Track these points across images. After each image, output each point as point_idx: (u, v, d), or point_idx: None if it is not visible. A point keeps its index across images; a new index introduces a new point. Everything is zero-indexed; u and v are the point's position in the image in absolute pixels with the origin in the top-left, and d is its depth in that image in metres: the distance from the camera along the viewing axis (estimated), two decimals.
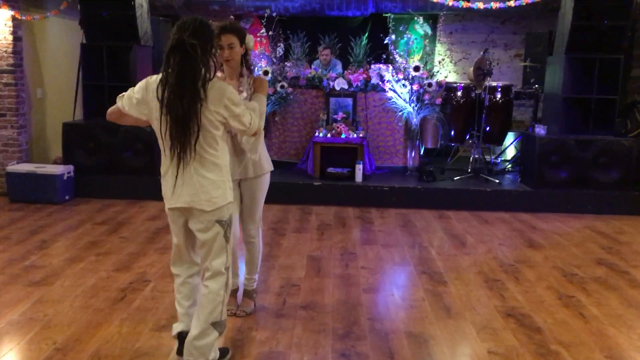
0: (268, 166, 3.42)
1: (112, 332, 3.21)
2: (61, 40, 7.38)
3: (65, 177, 6.16)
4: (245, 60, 3.19)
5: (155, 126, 2.67)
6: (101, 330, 3.23)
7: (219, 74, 3.13)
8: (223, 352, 2.92)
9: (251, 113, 2.79)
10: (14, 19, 6.27)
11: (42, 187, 6.08)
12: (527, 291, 3.99)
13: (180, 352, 2.82)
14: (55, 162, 6.97)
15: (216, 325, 2.74)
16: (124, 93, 2.78)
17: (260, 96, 3.03)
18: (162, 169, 2.74)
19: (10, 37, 6.32)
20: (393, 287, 4.05)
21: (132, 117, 2.77)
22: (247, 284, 3.58)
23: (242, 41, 3.10)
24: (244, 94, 3.16)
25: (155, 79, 2.65)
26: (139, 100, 2.69)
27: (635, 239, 5.36)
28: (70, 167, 6.29)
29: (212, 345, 2.76)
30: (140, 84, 2.72)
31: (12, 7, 6.24)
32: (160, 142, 2.70)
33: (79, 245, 4.76)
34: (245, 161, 3.28)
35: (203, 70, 2.57)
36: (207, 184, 2.66)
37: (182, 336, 2.84)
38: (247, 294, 3.58)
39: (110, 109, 2.84)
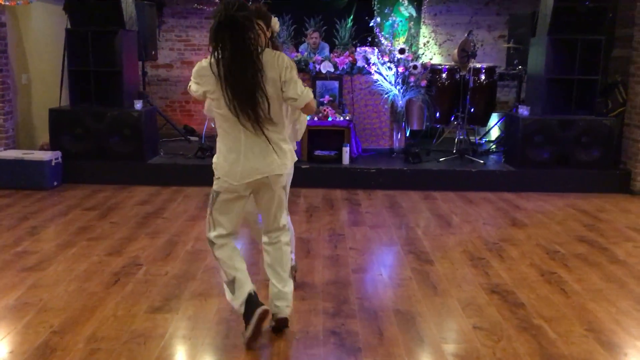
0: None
1: (107, 315, 3.28)
2: (45, 25, 7.32)
3: (53, 163, 6.17)
4: (272, 43, 3.23)
5: (218, 103, 2.77)
6: (96, 313, 3.29)
7: None
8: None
9: (307, 86, 2.90)
10: None
11: (30, 174, 6.08)
12: (510, 268, 4.11)
13: (258, 304, 2.93)
14: (42, 148, 6.96)
15: (290, 271, 3.13)
16: (190, 84, 2.91)
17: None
18: (223, 147, 2.85)
19: None
20: (381, 267, 4.15)
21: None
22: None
23: (269, 25, 3.15)
24: None
25: (206, 60, 2.77)
26: (199, 84, 2.82)
27: (615, 216, 5.51)
28: (58, 153, 6.30)
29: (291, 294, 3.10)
30: (195, 69, 2.83)
31: None
32: (220, 120, 2.81)
33: (70, 231, 4.80)
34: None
35: (257, 44, 2.69)
36: (279, 151, 2.86)
37: (252, 296, 2.98)
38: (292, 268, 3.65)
39: (204, 108, 3.00)
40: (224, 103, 2.73)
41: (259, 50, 2.72)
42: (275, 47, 3.28)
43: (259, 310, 2.89)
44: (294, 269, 3.64)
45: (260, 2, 3.24)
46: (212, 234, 3.00)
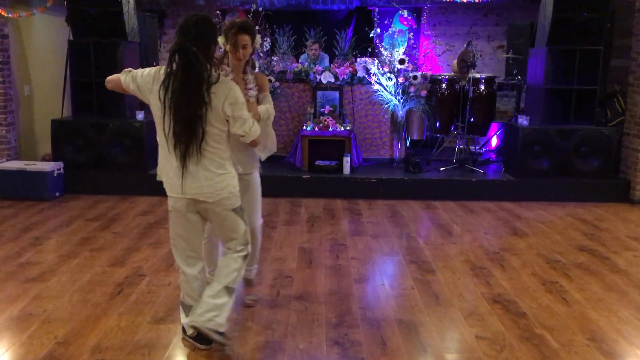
0: (257, 160, 3.53)
1: (111, 326, 3.29)
2: (48, 37, 7.38)
3: (55, 174, 6.19)
4: (251, 59, 3.28)
5: (158, 123, 2.79)
6: (100, 324, 3.31)
7: (226, 68, 3.23)
8: (226, 335, 3.00)
9: (253, 122, 2.89)
10: (0, 16, 6.27)
11: (32, 184, 6.11)
12: (512, 278, 4.13)
13: (200, 340, 2.99)
14: (44, 159, 6.99)
15: (228, 290, 2.94)
16: (130, 69, 2.90)
17: (267, 95, 3.17)
18: (164, 166, 2.87)
19: None
20: (383, 277, 4.17)
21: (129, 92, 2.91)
22: (248, 274, 3.69)
23: (254, 40, 3.18)
24: (252, 92, 3.26)
25: (161, 71, 2.76)
26: (142, 85, 2.81)
27: (615, 225, 5.53)
28: (60, 164, 6.32)
29: (222, 309, 2.91)
30: (150, 72, 2.82)
31: None
32: (161, 138, 2.81)
33: (73, 242, 4.81)
34: (245, 156, 3.36)
35: (207, 74, 2.67)
36: (212, 177, 2.81)
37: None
38: (250, 283, 3.72)
39: (111, 77, 2.97)
40: (161, 125, 2.76)
41: (211, 81, 2.69)
42: (252, 64, 3.33)
43: (205, 347, 3.02)
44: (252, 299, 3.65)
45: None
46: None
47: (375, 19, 7.79)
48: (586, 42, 6.39)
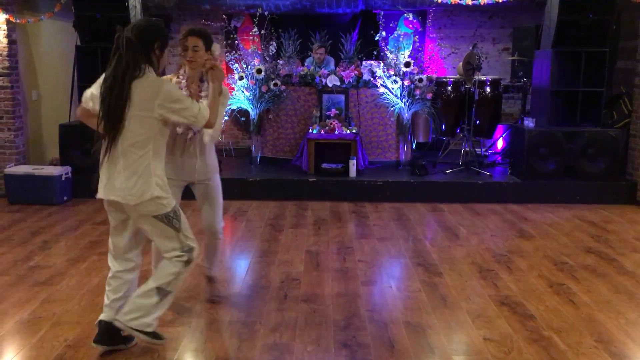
0: (215, 166, 3.55)
1: None
2: (55, 42, 7.43)
3: (63, 178, 6.24)
4: (212, 70, 3.28)
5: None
6: None
7: (179, 77, 3.26)
8: (156, 335, 2.98)
9: (200, 104, 2.88)
10: (8, 22, 6.32)
11: (40, 189, 6.15)
12: (519, 280, 4.13)
13: (96, 341, 2.98)
14: (52, 164, 7.03)
15: (160, 291, 2.89)
16: (87, 90, 2.92)
17: (213, 88, 3.06)
18: (100, 160, 2.87)
19: (5, 41, 6.37)
20: (390, 279, 4.18)
21: (93, 118, 2.89)
22: (209, 272, 3.78)
23: (208, 46, 3.23)
24: (203, 100, 3.25)
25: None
26: (94, 93, 2.83)
27: (622, 227, 5.52)
28: (68, 168, 6.36)
29: (150, 309, 2.88)
30: (99, 79, 2.85)
31: (6, 11, 6.29)
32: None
33: (81, 245, 4.84)
34: (192, 164, 3.39)
35: (136, 67, 2.70)
36: (129, 175, 2.78)
37: (101, 324, 2.99)
38: (212, 279, 3.79)
39: (78, 111, 2.99)
40: (99, 120, 2.78)
41: (135, 75, 2.70)
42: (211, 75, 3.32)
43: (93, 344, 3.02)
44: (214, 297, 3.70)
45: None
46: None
47: (380, 22, 7.81)
48: (592, 44, 6.39)
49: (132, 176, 2.78)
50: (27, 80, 6.92)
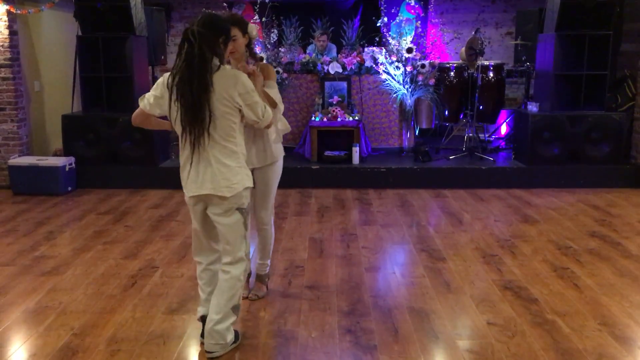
0: (280, 152, 3.50)
1: (126, 317, 3.34)
2: (56, 33, 7.42)
3: (67, 169, 6.25)
4: (250, 49, 3.27)
5: (168, 114, 2.79)
6: (115, 316, 3.35)
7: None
8: (236, 335, 3.05)
9: (265, 105, 2.87)
10: (9, 13, 6.31)
11: (44, 179, 6.17)
12: (523, 265, 4.13)
13: (203, 334, 2.96)
14: (55, 154, 7.05)
15: (235, 309, 2.90)
16: (144, 94, 2.88)
17: (272, 83, 3.15)
18: (181, 159, 2.86)
19: (7, 32, 6.35)
20: (394, 265, 4.19)
21: (155, 119, 2.91)
22: (260, 269, 3.68)
23: (245, 31, 3.18)
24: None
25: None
26: (157, 96, 2.80)
27: (626, 211, 5.51)
28: (72, 159, 6.38)
29: (230, 328, 2.91)
30: (158, 80, 2.83)
31: (7, 2, 6.27)
32: (177, 131, 2.81)
33: (86, 235, 4.86)
34: (258, 149, 3.36)
35: (211, 59, 2.66)
36: (225, 171, 2.77)
37: (204, 319, 2.97)
38: (260, 278, 3.69)
39: (134, 114, 2.95)
40: (174, 116, 2.75)
41: (213, 67, 2.68)
42: (252, 55, 3.32)
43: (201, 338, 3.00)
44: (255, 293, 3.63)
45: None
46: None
47: (382, 8, 7.76)
48: (595, 26, 6.34)
49: (224, 168, 2.77)
50: (29, 71, 6.92)
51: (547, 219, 5.25)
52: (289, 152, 7.23)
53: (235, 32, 3.12)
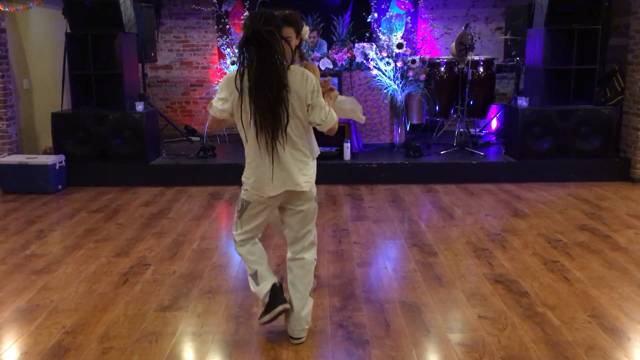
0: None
1: (118, 315, 3.33)
2: (45, 30, 7.37)
3: (57, 167, 6.22)
4: (299, 50, 3.22)
5: (238, 116, 2.76)
6: (107, 313, 3.35)
7: None
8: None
9: (330, 109, 2.86)
10: None
11: (34, 178, 6.14)
12: (513, 258, 4.16)
13: (281, 300, 3.01)
14: (45, 152, 7.02)
15: (312, 291, 3.08)
16: (211, 101, 2.87)
17: (332, 103, 3.08)
18: (248, 159, 2.86)
19: None
20: (385, 260, 4.20)
21: (227, 121, 2.91)
22: None
23: (299, 33, 3.12)
24: None
25: (234, 73, 2.74)
26: (225, 99, 2.79)
27: (616, 204, 5.56)
28: (62, 157, 6.35)
29: (310, 311, 3.05)
30: (220, 85, 2.82)
31: None
32: (243, 133, 2.81)
33: (77, 233, 4.85)
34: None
35: (283, 59, 2.67)
36: (302, 167, 2.85)
37: (276, 287, 3.05)
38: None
39: (209, 124, 3.01)
40: (246, 118, 2.73)
41: (285, 66, 2.68)
42: (301, 56, 3.29)
43: (280, 308, 2.98)
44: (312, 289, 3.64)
45: (291, 9, 3.17)
46: (236, 234, 3.05)
47: (372, 3, 7.76)
48: (584, 21, 6.38)
49: (301, 164, 2.84)
50: (18, 69, 6.88)
51: (537, 213, 5.28)
52: None
53: (290, 32, 3.05)
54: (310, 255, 3.04)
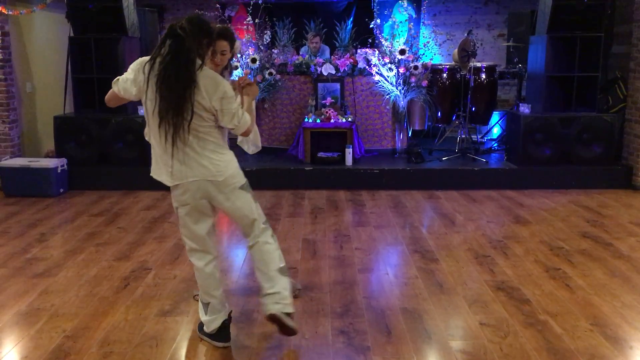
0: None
1: (118, 319, 3.32)
2: (48, 34, 7.39)
3: (59, 170, 6.22)
4: (229, 64, 3.32)
5: (144, 103, 2.80)
6: (108, 318, 3.34)
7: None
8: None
9: (243, 112, 2.88)
10: (0, 14, 6.28)
11: (36, 181, 6.14)
12: (515, 265, 4.15)
13: (224, 338, 3.01)
14: (47, 156, 7.02)
15: (281, 270, 3.00)
16: (118, 77, 2.89)
17: (248, 100, 3.11)
18: (152, 147, 2.86)
19: None
20: (387, 266, 4.19)
21: (125, 100, 2.92)
22: None
23: (232, 47, 3.20)
24: None
25: (146, 58, 2.77)
26: (132, 80, 2.80)
27: (618, 212, 5.54)
28: (64, 160, 6.35)
29: (287, 290, 2.98)
30: (133, 65, 2.83)
31: None
32: (149, 121, 2.81)
33: (78, 237, 4.84)
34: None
35: (195, 57, 2.68)
36: (213, 156, 2.82)
37: (225, 325, 3.03)
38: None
39: (107, 96, 2.98)
40: (151, 106, 2.75)
41: (198, 65, 2.70)
42: (228, 65, 3.31)
43: (220, 345, 3.01)
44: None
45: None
46: (187, 250, 3.07)
47: (375, 9, 7.78)
48: (587, 28, 6.38)
49: (211, 154, 2.82)
50: (21, 72, 6.89)
51: (539, 220, 5.27)
52: (282, 153, 7.26)
53: (226, 46, 3.14)
54: (263, 238, 3.01)
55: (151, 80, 2.71)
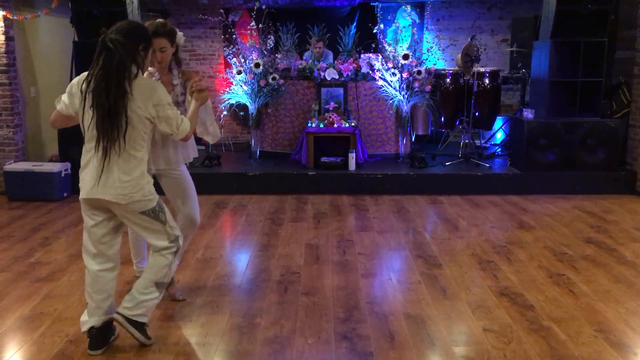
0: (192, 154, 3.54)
1: None
2: (53, 38, 7.41)
3: (62, 175, 6.24)
4: (176, 57, 3.30)
5: (81, 119, 2.82)
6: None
7: (150, 68, 3.22)
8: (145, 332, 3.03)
9: (183, 118, 2.90)
10: (5, 18, 6.31)
11: (40, 185, 6.16)
12: (519, 271, 4.14)
13: (91, 347, 2.98)
14: (51, 160, 7.03)
15: (158, 285, 2.98)
16: (60, 96, 2.92)
17: (194, 105, 3.11)
18: (83, 161, 2.87)
19: (3, 37, 6.35)
20: (390, 272, 4.18)
21: (74, 118, 2.92)
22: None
23: (173, 41, 3.20)
24: (179, 88, 3.31)
25: (84, 75, 2.78)
26: (72, 94, 2.83)
27: (622, 217, 5.53)
28: (67, 165, 6.37)
29: (151, 304, 3.00)
30: (71, 83, 2.86)
31: (3, 7, 6.28)
32: (85, 134, 2.83)
33: (81, 241, 4.82)
34: (171, 152, 3.37)
35: (130, 67, 2.70)
36: (127, 182, 2.79)
37: (93, 333, 2.99)
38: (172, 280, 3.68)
39: (52, 117, 3.02)
40: (82, 118, 2.78)
41: (132, 75, 2.71)
42: (177, 62, 3.32)
43: (89, 351, 2.98)
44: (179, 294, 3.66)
45: (165, 18, 3.28)
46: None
47: (378, 14, 7.79)
48: (590, 34, 6.38)
49: (126, 176, 2.79)
50: (25, 76, 6.92)
51: (542, 225, 5.26)
52: (286, 158, 7.26)
53: (164, 42, 3.14)
54: (165, 252, 2.99)
55: (88, 96, 2.73)
